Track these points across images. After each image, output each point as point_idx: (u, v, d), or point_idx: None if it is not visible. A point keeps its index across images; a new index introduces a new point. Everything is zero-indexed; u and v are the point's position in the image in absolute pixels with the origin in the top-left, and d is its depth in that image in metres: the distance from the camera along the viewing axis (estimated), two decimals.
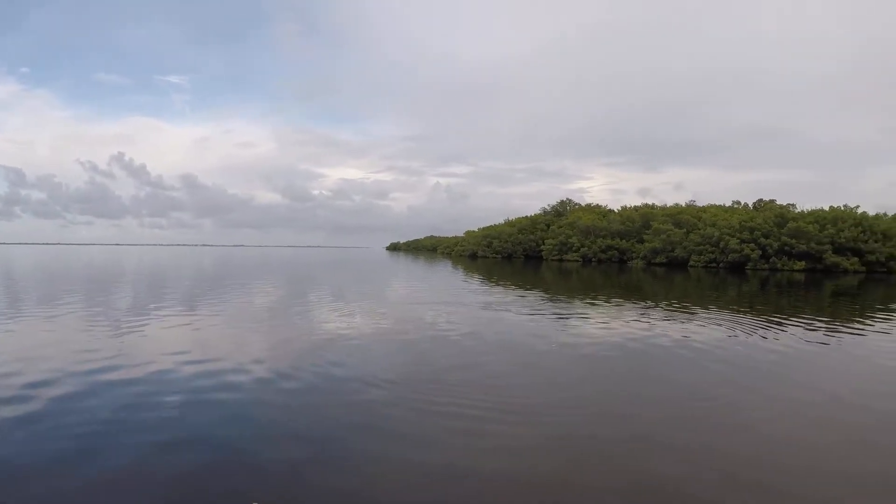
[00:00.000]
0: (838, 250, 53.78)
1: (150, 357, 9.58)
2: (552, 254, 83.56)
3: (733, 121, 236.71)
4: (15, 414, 6.47)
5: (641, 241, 72.02)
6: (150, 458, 5.21)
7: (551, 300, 20.90)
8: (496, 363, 9.57)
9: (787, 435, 6.16)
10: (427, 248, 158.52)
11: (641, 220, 76.24)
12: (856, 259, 53.19)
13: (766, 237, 56.76)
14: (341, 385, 7.93)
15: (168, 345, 10.96)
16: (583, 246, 79.17)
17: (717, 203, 79.40)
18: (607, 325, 14.30)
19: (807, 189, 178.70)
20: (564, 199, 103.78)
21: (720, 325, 14.39)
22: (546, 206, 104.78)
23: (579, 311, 17.53)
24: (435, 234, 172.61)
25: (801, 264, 53.78)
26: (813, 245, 53.83)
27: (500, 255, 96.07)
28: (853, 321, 15.87)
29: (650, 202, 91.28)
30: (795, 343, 11.95)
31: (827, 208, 60.44)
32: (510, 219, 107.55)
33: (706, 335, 12.61)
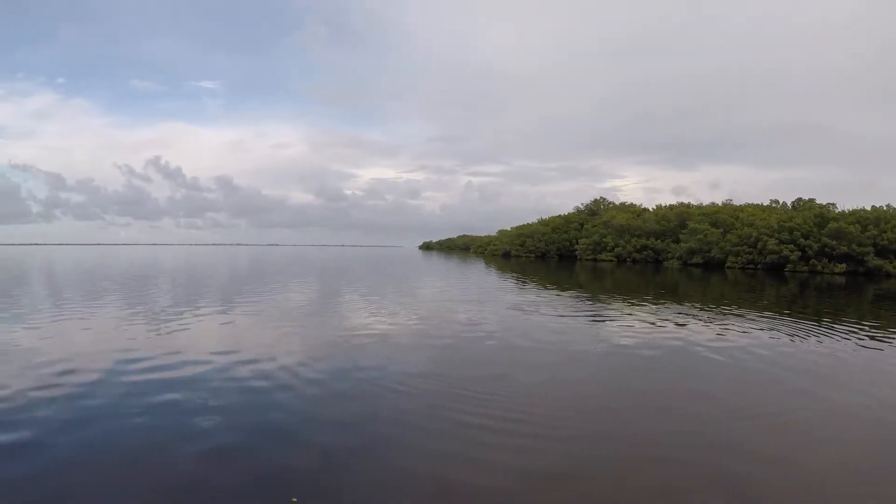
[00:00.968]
0: (881, 252, 52.74)
1: (188, 353, 10.07)
2: (586, 253, 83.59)
3: (768, 117, 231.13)
4: (62, 405, 6.95)
5: (677, 241, 71.71)
6: (182, 449, 5.58)
7: (586, 301, 21.31)
8: (526, 367, 9.68)
9: (834, 437, 6.46)
10: (460, 248, 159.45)
11: (677, 220, 75.83)
12: None
13: (806, 238, 55.97)
14: (375, 384, 8.18)
15: (206, 341, 11.57)
16: (617, 245, 79.09)
17: (755, 202, 78.43)
18: (645, 328, 14.43)
19: (846, 187, 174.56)
20: (598, 198, 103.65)
21: (770, 329, 14.52)
22: (580, 205, 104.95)
23: (615, 313, 17.89)
24: (468, 234, 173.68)
25: (842, 267, 52.89)
26: (854, 247, 52.91)
27: (533, 255, 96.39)
28: None
29: (685, 201, 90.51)
30: (840, 348, 11.92)
31: (869, 208, 59.34)
32: (543, 218, 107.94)
33: (748, 340, 12.76)
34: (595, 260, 79.62)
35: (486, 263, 65.66)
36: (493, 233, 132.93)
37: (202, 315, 15.50)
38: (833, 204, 67.36)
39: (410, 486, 4.94)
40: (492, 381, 8.51)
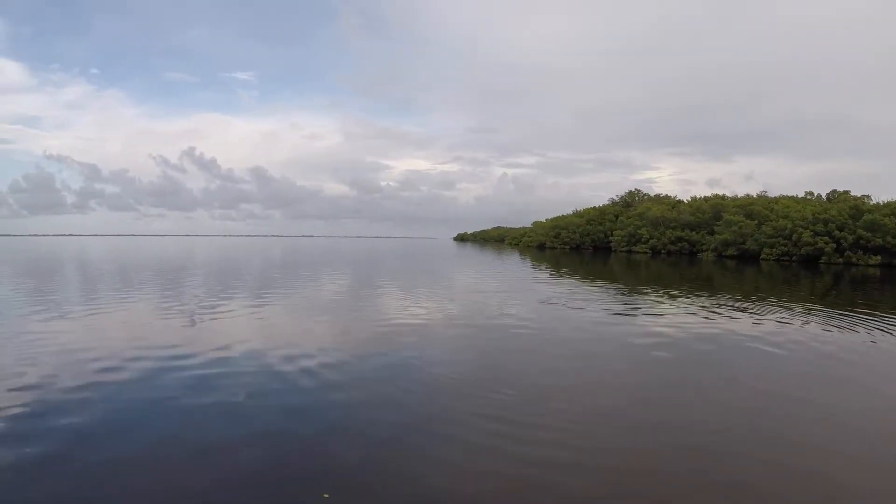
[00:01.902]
0: None
1: (223, 345, 10.21)
2: (621, 245, 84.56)
3: (803, 110, 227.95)
4: (99, 397, 7.13)
5: (712, 233, 72.43)
6: (218, 442, 5.68)
7: (623, 294, 21.71)
8: (560, 362, 9.64)
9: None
10: (494, 239, 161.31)
11: (712, 212, 76.31)
12: None
13: (841, 230, 56.63)
14: (408, 377, 8.22)
15: (240, 333, 11.74)
16: (652, 237, 79.94)
17: (789, 194, 78.64)
18: (685, 319, 14.55)
19: (880, 179, 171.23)
20: (633, 190, 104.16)
21: (814, 321, 14.78)
22: (614, 197, 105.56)
23: (652, 306, 18.02)
24: (502, 225, 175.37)
25: (877, 259, 53.56)
26: (889, 239, 53.56)
27: (568, 247, 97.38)
28: None
29: (720, 192, 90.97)
30: (880, 340, 12.05)
31: None
32: (578, 209, 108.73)
33: (789, 331, 13.06)
34: (630, 252, 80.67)
35: (521, 255, 66.54)
36: (528, 224, 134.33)
37: (236, 306, 15.69)
38: (868, 196, 67.63)
39: (443, 483, 4.94)
40: (528, 374, 8.60)
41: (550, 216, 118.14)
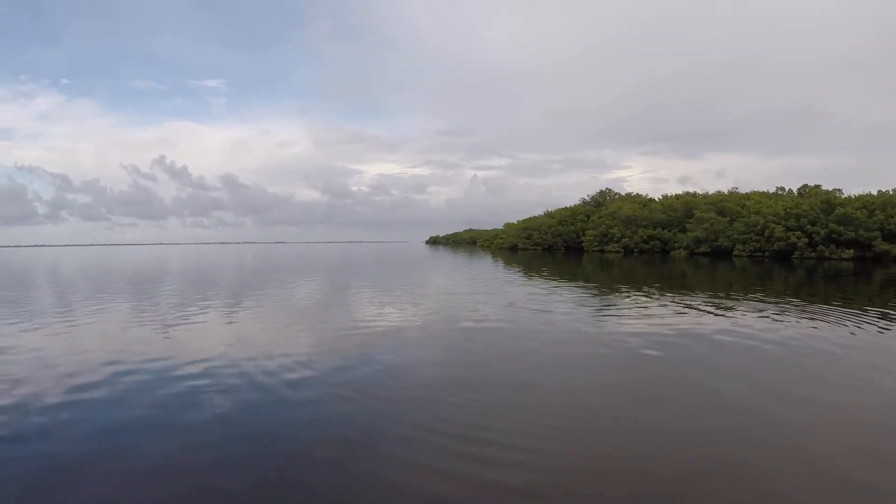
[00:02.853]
0: (888, 237, 52.86)
1: (194, 353, 10.10)
2: (593, 245, 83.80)
3: (772, 105, 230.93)
4: (69, 405, 7.04)
5: (684, 231, 71.90)
6: (193, 449, 5.59)
7: (596, 293, 21.23)
8: (535, 359, 9.60)
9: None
10: (467, 242, 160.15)
11: (683, 209, 75.91)
12: None
13: (813, 224, 56.05)
14: (380, 382, 8.09)
15: (212, 339, 11.63)
16: (624, 236, 79.27)
17: (761, 189, 78.57)
18: (660, 320, 14.10)
19: (851, 173, 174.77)
20: (604, 189, 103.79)
21: (790, 316, 14.49)
22: (585, 197, 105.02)
23: (626, 304, 17.80)
24: (474, 227, 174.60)
25: (850, 252, 53.04)
26: (861, 232, 53.05)
27: (540, 247, 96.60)
28: None
29: (691, 190, 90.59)
30: (850, 334, 11.87)
31: (875, 193, 59.42)
32: (549, 210, 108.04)
33: (768, 329, 12.61)
34: (602, 251, 79.89)
35: (494, 257, 65.76)
36: (500, 226, 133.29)
37: (209, 314, 15.62)
38: (839, 190, 67.58)
39: (417, 491, 4.75)
40: (501, 379, 8.34)
41: (522, 217, 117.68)
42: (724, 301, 18.13)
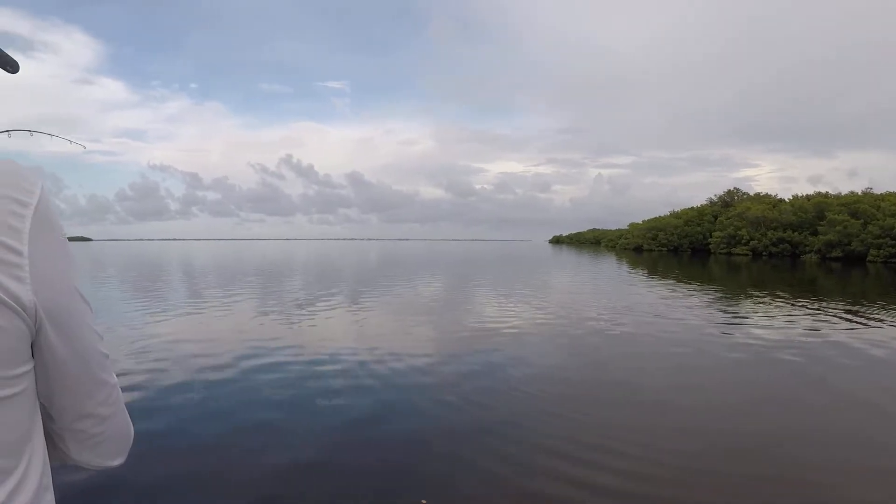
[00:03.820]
0: None
1: (319, 345, 10.19)
2: (720, 247, 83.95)
3: None
4: (200, 391, 7.13)
5: (815, 234, 71.38)
6: (314, 445, 5.44)
7: (725, 299, 20.02)
8: (660, 369, 8.97)
9: None
10: (590, 242, 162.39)
11: (814, 211, 74.86)
12: None
13: None
14: (504, 382, 7.87)
15: (335, 332, 11.91)
16: (752, 239, 79.23)
17: None
18: (792, 329, 12.88)
19: None
20: (732, 189, 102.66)
21: None
22: (713, 197, 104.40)
23: (755, 311, 16.44)
24: (597, 227, 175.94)
25: None
26: None
27: (665, 249, 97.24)
28: None
29: (822, 190, 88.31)
30: None
31: None
32: (675, 210, 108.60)
33: None
34: (729, 254, 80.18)
35: (618, 258, 64.42)
36: (623, 226, 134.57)
37: (335, 308, 15.89)
38: None
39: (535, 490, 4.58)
40: (622, 390, 7.77)
41: (647, 217, 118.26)
42: (864, 309, 16.48)
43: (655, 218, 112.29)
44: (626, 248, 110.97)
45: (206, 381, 7.72)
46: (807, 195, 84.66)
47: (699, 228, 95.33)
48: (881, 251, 60.19)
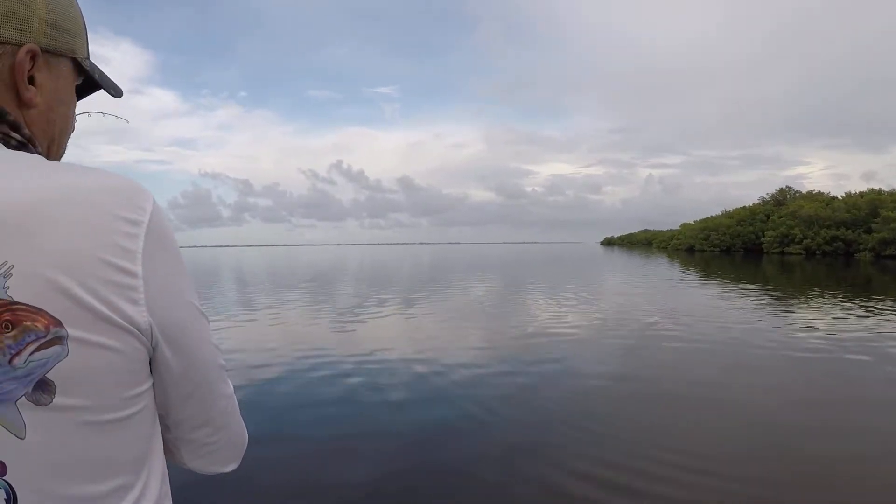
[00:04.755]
0: None
1: (371, 349, 10.19)
2: (773, 246, 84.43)
3: None
4: (254, 392, 7.29)
5: (869, 232, 71.82)
6: (364, 448, 5.43)
7: (781, 300, 19.25)
8: (716, 373, 8.49)
9: None
10: (642, 242, 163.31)
11: (868, 208, 75.10)
12: None
13: None
14: (555, 386, 7.77)
15: (386, 336, 11.98)
16: (806, 237, 79.85)
17: None
18: (852, 330, 12.31)
19: None
20: (784, 187, 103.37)
21: None
22: (765, 195, 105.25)
23: (811, 311, 16.12)
24: (649, 228, 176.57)
25: None
26: None
27: (717, 249, 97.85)
28: None
29: (876, 187, 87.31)
30: None
31: None
32: (727, 209, 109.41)
33: None
34: (782, 253, 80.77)
35: (670, 259, 63.46)
36: (675, 226, 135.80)
37: (385, 310, 16.18)
38: None
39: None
40: (676, 397, 7.32)
41: (698, 217, 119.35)
42: None
43: (707, 218, 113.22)
44: (678, 249, 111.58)
45: (263, 389, 7.65)
46: (860, 192, 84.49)
47: (751, 228, 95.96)
48: None
